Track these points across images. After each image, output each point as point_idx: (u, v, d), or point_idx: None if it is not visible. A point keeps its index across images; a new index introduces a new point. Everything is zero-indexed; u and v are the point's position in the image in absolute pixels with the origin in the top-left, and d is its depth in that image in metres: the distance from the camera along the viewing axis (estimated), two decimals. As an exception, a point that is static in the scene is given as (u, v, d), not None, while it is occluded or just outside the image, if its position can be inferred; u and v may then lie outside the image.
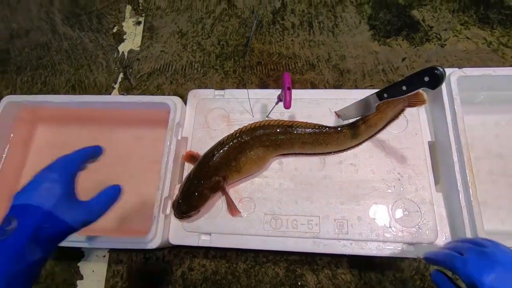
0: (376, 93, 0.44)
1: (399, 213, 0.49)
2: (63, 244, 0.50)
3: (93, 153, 0.41)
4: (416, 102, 0.49)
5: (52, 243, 0.33)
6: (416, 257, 0.47)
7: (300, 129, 0.51)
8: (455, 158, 0.48)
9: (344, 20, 0.77)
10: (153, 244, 0.49)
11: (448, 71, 0.52)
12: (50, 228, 0.32)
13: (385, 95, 0.42)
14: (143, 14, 0.84)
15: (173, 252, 0.61)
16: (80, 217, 0.35)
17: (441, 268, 0.34)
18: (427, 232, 0.47)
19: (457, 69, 0.52)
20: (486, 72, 0.51)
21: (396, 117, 0.54)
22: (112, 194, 0.39)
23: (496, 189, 0.55)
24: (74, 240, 0.50)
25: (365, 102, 0.47)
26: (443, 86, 0.52)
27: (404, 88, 0.39)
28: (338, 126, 0.52)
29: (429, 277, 0.56)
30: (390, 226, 0.48)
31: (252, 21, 0.75)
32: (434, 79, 0.35)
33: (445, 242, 0.47)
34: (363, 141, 0.54)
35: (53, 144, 0.66)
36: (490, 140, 0.58)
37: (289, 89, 0.45)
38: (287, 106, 0.45)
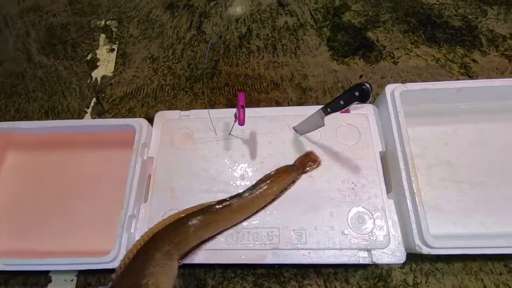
0: (322, 108, 0.48)
1: (353, 220, 0.51)
2: (25, 268, 0.51)
3: None
4: (311, 165, 0.53)
5: None
6: (371, 263, 0.49)
7: (191, 219, 0.47)
8: (402, 166, 0.52)
9: (305, 43, 0.82)
10: (116, 263, 0.50)
11: (392, 86, 0.57)
12: None
13: (329, 109, 0.46)
14: (117, 42, 0.88)
15: (142, 272, 0.61)
16: None
17: None
18: (380, 238, 0.50)
19: (400, 84, 0.57)
20: (426, 86, 0.56)
21: (289, 186, 0.54)
22: None
23: (448, 195, 0.58)
24: (31, 263, 0.50)
25: (315, 117, 0.51)
26: (389, 100, 0.56)
27: (341, 102, 0.43)
28: (223, 200, 0.51)
29: (391, 282, 0.57)
30: (345, 234, 0.51)
31: (211, 36, 0.80)
32: (362, 94, 0.39)
33: (396, 247, 0.49)
34: (259, 210, 0.53)
35: (23, 170, 0.67)
36: (440, 149, 0.62)
37: (242, 107, 0.49)
38: (241, 123, 0.48)
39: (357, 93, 0.39)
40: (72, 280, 0.61)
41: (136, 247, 0.42)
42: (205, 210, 0.49)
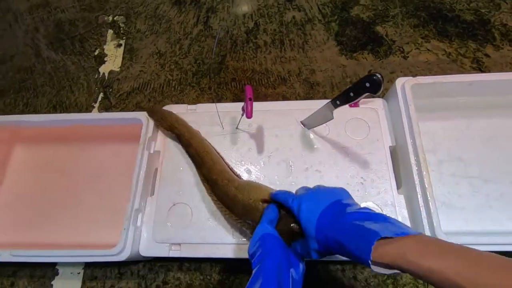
0: (331, 100, 0.47)
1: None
2: (33, 260, 0.51)
3: None
4: None
5: None
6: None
7: None
8: (412, 160, 0.51)
9: (313, 37, 0.81)
10: (122, 256, 0.49)
11: (403, 79, 0.56)
12: None
13: (338, 102, 0.45)
14: (124, 37, 0.88)
15: (148, 266, 0.61)
16: None
17: None
18: (390, 233, 0.49)
19: (410, 77, 0.55)
20: (437, 79, 0.55)
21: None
22: None
23: (459, 190, 0.57)
24: (39, 255, 0.50)
25: (323, 110, 0.50)
26: (399, 93, 0.55)
27: (351, 94, 0.42)
28: None
29: (401, 280, 0.56)
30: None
31: (218, 32, 0.79)
32: (373, 84, 0.38)
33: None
34: None
35: (31, 163, 0.68)
36: (451, 144, 0.60)
37: (250, 99, 0.48)
38: (249, 116, 0.48)
39: (367, 84, 0.38)
40: (79, 273, 0.62)
41: None
42: None
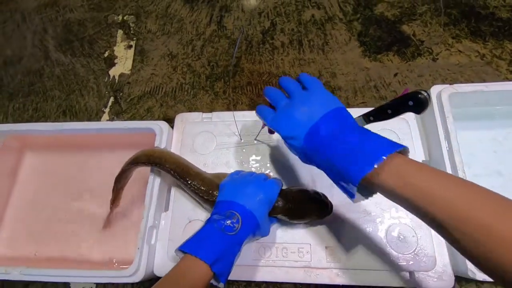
0: (363, 115, 0.42)
1: (393, 238, 0.46)
2: (43, 279, 0.49)
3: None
4: None
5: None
6: (413, 287, 0.44)
7: None
8: (450, 179, 0.46)
9: (334, 38, 0.76)
10: (137, 277, 0.47)
11: (438, 87, 0.51)
12: (257, 235, 0.43)
13: (371, 118, 0.41)
14: (134, 38, 0.84)
15: (162, 282, 0.58)
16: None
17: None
18: (424, 259, 0.45)
19: (448, 85, 0.51)
20: (478, 88, 0.50)
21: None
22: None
23: (498, 209, 0.52)
24: (49, 274, 0.48)
25: (352, 124, 0.46)
26: (435, 103, 0.50)
27: (389, 112, 0.38)
28: None
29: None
30: (384, 254, 0.46)
31: (238, 36, 0.75)
32: (418, 104, 0.33)
33: (443, 270, 0.44)
34: None
35: (41, 171, 0.66)
36: (488, 157, 0.55)
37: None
38: (270, 131, 0.44)
39: (410, 103, 0.34)
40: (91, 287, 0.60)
41: None
42: None
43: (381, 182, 0.29)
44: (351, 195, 0.31)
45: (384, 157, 0.29)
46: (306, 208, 0.45)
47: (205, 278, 0.35)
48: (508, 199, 0.26)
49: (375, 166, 0.29)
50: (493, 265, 0.24)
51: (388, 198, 0.31)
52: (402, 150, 0.31)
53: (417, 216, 0.29)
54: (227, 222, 0.38)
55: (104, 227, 0.58)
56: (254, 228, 0.41)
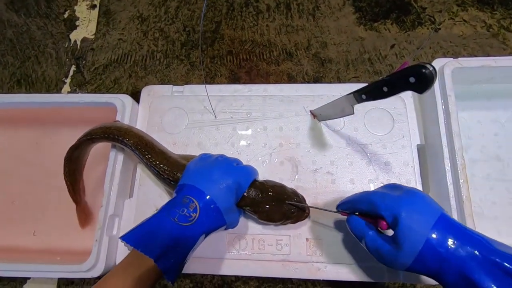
0: (353, 93, 0.36)
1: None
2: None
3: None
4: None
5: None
6: (399, 281, 0.41)
7: None
8: (447, 166, 0.41)
9: (326, 2, 0.68)
10: (95, 272, 0.42)
11: (441, 61, 0.44)
12: (219, 226, 0.37)
13: (364, 96, 0.34)
14: (99, -4, 0.73)
15: (131, 272, 0.54)
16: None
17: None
18: (414, 253, 0.41)
19: (452, 59, 0.44)
20: (486, 62, 0.43)
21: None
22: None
23: (493, 196, 0.48)
24: (3, 269, 0.42)
25: (342, 103, 0.39)
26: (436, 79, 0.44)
27: (385, 89, 0.31)
28: None
29: (416, 295, 0.50)
30: (371, 246, 0.41)
31: None
32: (421, 80, 0.27)
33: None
34: None
35: (-9, 149, 0.58)
36: (487, 140, 0.51)
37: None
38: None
39: (412, 79, 0.27)
40: (52, 278, 0.55)
41: None
42: None
43: None
44: None
45: None
46: (278, 208, 0.39)
47: (151, 273, 0.31)
48: None
49: None
50: None
51: None
52: None
53: None
54: (182, 210, 0.33)
55: (82, 226, 0.51)
56: (217, 219, 0.35)
